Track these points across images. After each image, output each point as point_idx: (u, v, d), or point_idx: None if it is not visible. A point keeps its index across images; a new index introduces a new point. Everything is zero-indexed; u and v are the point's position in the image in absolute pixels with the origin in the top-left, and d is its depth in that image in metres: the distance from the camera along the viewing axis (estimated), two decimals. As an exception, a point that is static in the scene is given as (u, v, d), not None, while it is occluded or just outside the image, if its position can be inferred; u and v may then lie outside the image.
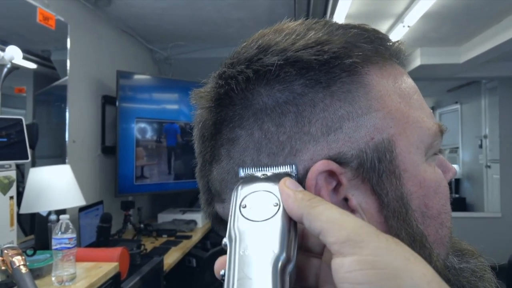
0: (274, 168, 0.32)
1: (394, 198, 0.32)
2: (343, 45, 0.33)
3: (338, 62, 0.32)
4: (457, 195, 5.40)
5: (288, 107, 0.32)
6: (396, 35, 3.21)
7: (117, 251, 1.61)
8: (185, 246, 2.58)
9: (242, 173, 0.33)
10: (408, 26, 2.93)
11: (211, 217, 0.39)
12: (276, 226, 0.28)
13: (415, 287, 0.22)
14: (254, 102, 0.33)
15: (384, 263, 0.23)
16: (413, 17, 2.77)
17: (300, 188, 0.29)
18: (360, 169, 0.31)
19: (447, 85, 5.53)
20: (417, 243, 0.32)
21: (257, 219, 0.28)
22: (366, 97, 0.33)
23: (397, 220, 0.32)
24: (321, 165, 0.31)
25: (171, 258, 2.30)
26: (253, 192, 0.30)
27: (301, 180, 0.32)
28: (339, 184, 0.32)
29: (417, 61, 3.85)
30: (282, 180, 0.30)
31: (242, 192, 0.31)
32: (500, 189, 4.44)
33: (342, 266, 0.24)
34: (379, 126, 0.32)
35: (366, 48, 0.33)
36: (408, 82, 0.36)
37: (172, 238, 2.71)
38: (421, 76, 4.37)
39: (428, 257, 0.32)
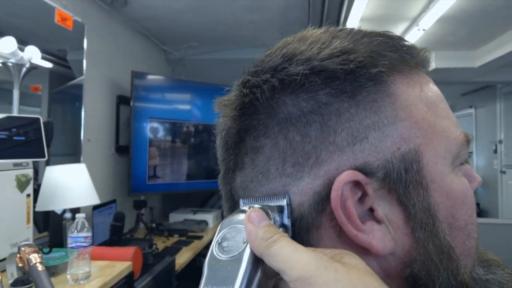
0: (270, 200, 0.33)
1: (421, 209, 0.31)
2: (368, 54, 0.32)
3: (363, 71, 0.32)
4: (470, 201, 5.32)
5: (313, 117, 0.32)
6: (411, 39, 3.18)
7: (130, 250, 1.62)
8: (196, 246, 2.59)
9: (243, 204, 0.34)
10: (423, 30, 2.90)
11: None
12: (238, 264, 0.29)
13: None
14: (279, 111, 0.33)
15: None
16: (429, 20, 2.74)
17: (265, 222, 0.30)
18: (386, 179, 0.31)
19: (461, 89, 5.47)
20: (445, 255, 0.32)
21: (224, 256, 0.30)
22: (392, 106, 0.32)
23: (424, 231, 0.31)
24: (346, 176, 0.31)
25: (182, 258, 2.32)
26: (231, 227, 0.31)
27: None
28: (364, 194, 0.31)
29: (431, 65, 3.81)
30: (247, 214, 0.31)
31: (223, 226, 0.32)
32: (515, 196, 4.37)
33: None
34: (405, 136, 0.32)
35: (391, 56, 0.33)
36: (434, 91, 0.36)
37: (183, 238, 2.73)
38: (435, 79, 4.26)
39: (455, 269, 0.32)
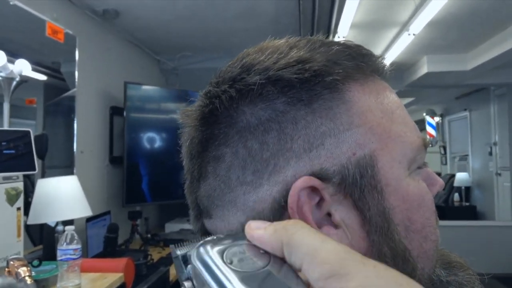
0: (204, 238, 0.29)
1: (376, 213, 0.32)
2: (324, 63, 0.33)
3: (319, 80, 0.33)
4: (467, 204, 5.32)
5: (270, 125, 0.33)
6: (402, 43, 3.21)
7: (122, 262, 1.62)
8: (191, 256, 2.57)
9: (177, 251, 0.29)
10: (414, 34, 2.92)
11: (200, 232, 0.40)
12: (271, 273, 0.25)
13: None
14: (238, 120, 0.34)
15: None
16: (418, 25, 2.76)
17: (267, 223, 0.29)
18: (342, 184, 0.32)
19: (455, 92, 5.50)
20: (400, 257, 0.32)
21: (252, 269, 0.26)
22: (347, 113, 0.33)
23: (379, 234, 0.32)
24: (303, 182, 0.31)
25: (177, 268, 2.30)
26: (229, 246, 0.28)
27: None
28: (322, 199, 0.32)
29: (424, 69, 3.84)
30: (247, 225, 0.29)
31: (214, 250, 0.27)
32: (511, 197, 4.37)
33: None
34: (360, 142, 0.33)
35: (347, 65, 0.34)
36: (390, 97, 0.37)
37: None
38: (428, 83, 4.35)
39: (411, 271, 0.32)
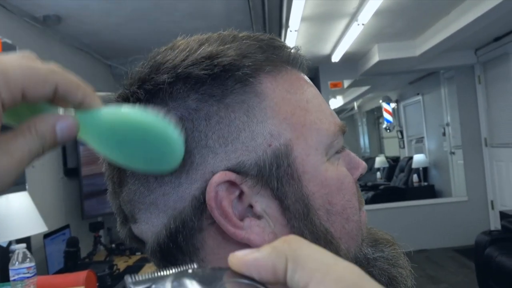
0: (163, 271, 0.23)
1: (295, 200, 0.33)
2: (233, 58, 0.33)
3: (229, 74, 0.33)
4: (426, 183, 5.55)
5: (184, 123, 0.32)
6: (353, 34, 3.29)
7: (82, 275, 1.56)
8: (159, 261, 2.53)
9: (130, 280, 0.22)
10: (363, 24, 3.00)
11: (127, 238, 0.39)
12: None
13: None
14: None
15: None
16: (366, 14, 2.84)
17: (255, 249, 0.24)
18: (260, 176, 0.32)
19: (408, 78, 5.70)
20: (321, 240, 0.33)
21: None
22: (259, 106, 0.33)
23: (299, 220, 0.33)
24: (219, 177, 0.31)
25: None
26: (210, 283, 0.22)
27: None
28: (242, 192, 0.32)
29: (375, 57, 3.95)
30: (231, 255, 0.24)
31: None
32: (465, 174, 4.60)
33: None
34: (275, 133, 0.33)
35: (257, 58, 0.34)
36: (304, 87, 0.37)
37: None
38: (381, 71, 4.49)
39: (335, 252, 0.33)
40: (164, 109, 0.33)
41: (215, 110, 0.32)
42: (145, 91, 0.33)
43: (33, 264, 1.28)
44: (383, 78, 5.29)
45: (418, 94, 5.86)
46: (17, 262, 1.26)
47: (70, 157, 2.67)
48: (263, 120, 0.33)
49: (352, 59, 4.41)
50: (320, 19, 3.15)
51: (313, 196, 0.33)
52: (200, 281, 0.22)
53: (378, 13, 2.91)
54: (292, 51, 0.37)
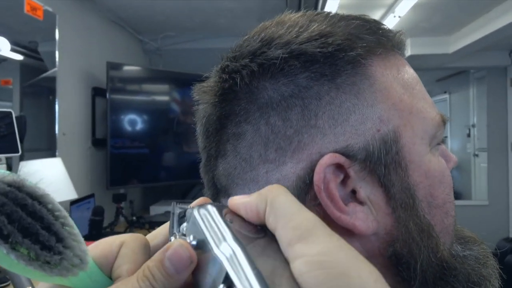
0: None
1: (401, 189, 0.32)
2: (346, 37, 0.33)
3: (342, 54, 0.32)
4: (445, 184, 5.47)
5: (294, 101, 0.32)
6: (387, 25, 3.20)
7: (111, 243, 1.60)
8: (178, 237, 2.58)
9: (177, 208, 0.30)
10: (399, 17, 2.94)
11: None
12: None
13: (363, 285, 0.21)
14: (259, 96, 0.33)
15: (334, 262, 0.22)
16: (404, 7, 2.77)
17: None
18: (367, 161, 0.32)
19: (436, 75, 5.58)
20: (425, 233, 0.33)
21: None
22: (370, 89, 0.33)
23: (404, 211, 0.32)
24: (329, 158, 0.31)
25: (164, 250, 2.31)
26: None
27: (306, 175, 0.32)
28: (346, 176, 0.32)
29: (407, 51, 3.83)
30: (230, 199, 0.29)
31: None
32: (488, 177, 4.51)
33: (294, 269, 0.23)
34: (384, 118, 0.33)
35: (369, 39, 0.34)
36: (410, 73, 0.36)
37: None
38: (411, 66, 4.39)
39: (435, 247, 0.33)
40: (275, 85, 0.33)
41: (326, 90, 0.32)
42: (257, 65, 0.33)
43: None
44: (411, 73, 5.19)
45: (445, 92, 5.74)
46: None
47: (99, 128, 2.71)
48: (373, 104, 0.32)
49: (382, 52, 4.33)
50: (357, 8, 3.09)
51: (417, 187, 0.33)
52: (216, 206, 0.28)
53: (416, 6, 2.84)
54: (398, 35, 0.37)
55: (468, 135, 5.06)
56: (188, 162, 3.22)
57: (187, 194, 3.53)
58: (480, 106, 4.74)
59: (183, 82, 3.16)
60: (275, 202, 0.25)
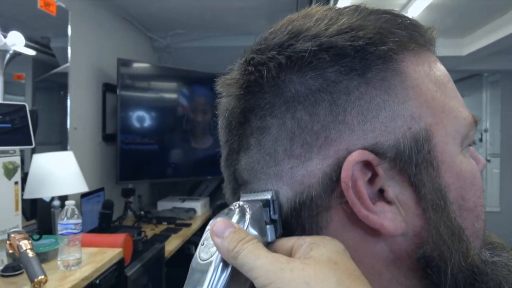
0: (253, 195, 0.33)
1: (432, 190, 0.31)
2: (377, 31, 0.31)
3: (373, 48, 0.31)
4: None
5: (321, 95, 0.31)
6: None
7: (121, 237, 1.61)
8: (184, 233, 2.59)
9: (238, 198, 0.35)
10: (412, 17, 2.91)
11: None
12: (209, 268, 0.29)
13: None
14: (285, 90, 0.32)
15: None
16: (418, 7, 2.75)
17: (228, 231, 0.30)
18: (397, 159, 0.30)
19: (448, 78, 5.53)
20: (456, 236, 0.31)
21: (202, 259, 0.30)
22: (401, 85, 0.31)
23: (435, 212, 0.31)
24: (357, 155, 0.30)
25: (171, 245, 2.32)
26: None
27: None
28: (374, 174, 0.31)
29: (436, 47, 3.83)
30: (211, 227, 0.31)
31: (207, 227, 0.32)
32: (500, 184, 4.45)
33: None
34: (416, 116, 0.31)
35: (400, 34, 0.32)
36: (442, 70, 0.35)
37: (171, 226, 2.72)
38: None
39: (466, 251, 0.31)
40: (302, 78, 0.32)
41: (355, 85, 0.31)
42: (285, 57, 0.31)
43: (80, 221, 1.33)
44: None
45: (457, 95, 5.69)
46: (65, 218, 1.31)
47: (109, 123, 2.73)
48: (404, 101, 0.31)
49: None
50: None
51: (448, 188, 0.31)
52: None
53: (430, 7, 2.81)
54: (429, 30, 0.35)
55: (480, 140, 5.00)
56: (195, 160, 3.23)
57: (194, 191, 3.55)
58: (493, 110, 4.69)
59: (192, 79, 3.17)
60: (238, 262, 0.29)
